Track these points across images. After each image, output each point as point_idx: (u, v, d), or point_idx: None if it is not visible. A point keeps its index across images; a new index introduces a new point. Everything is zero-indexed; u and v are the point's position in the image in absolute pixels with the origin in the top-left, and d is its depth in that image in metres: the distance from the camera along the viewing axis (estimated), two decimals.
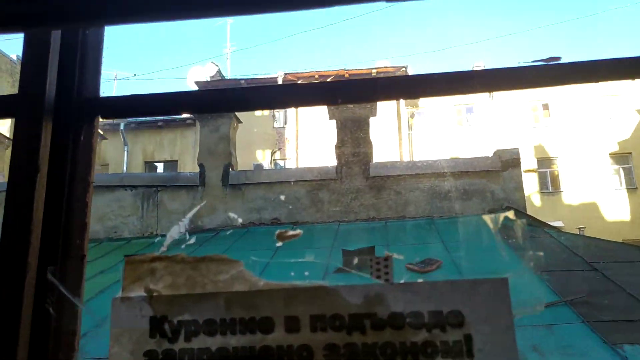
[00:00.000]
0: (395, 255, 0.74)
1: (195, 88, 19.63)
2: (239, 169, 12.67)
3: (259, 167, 17.64)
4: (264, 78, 21.50)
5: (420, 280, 0.66)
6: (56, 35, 1.06)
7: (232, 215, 10.95)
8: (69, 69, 1.08)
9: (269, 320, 0.69)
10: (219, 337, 0.68)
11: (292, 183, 11.54)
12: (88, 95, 1.11)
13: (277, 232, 0.72)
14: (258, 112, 23.60)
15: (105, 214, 12.02)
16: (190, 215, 0.84)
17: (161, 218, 12.11)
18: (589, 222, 19.09)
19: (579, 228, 17.57)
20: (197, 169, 12.17)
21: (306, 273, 0.70)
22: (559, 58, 1.07)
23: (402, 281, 0.67)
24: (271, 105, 1.08)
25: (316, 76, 21.23)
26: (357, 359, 0.66)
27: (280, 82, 21.91)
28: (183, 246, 0.72)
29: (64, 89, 1.07)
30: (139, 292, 0.70)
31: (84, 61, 1.11)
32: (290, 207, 11.35)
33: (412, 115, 23.19)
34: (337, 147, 11.38)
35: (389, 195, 11.19)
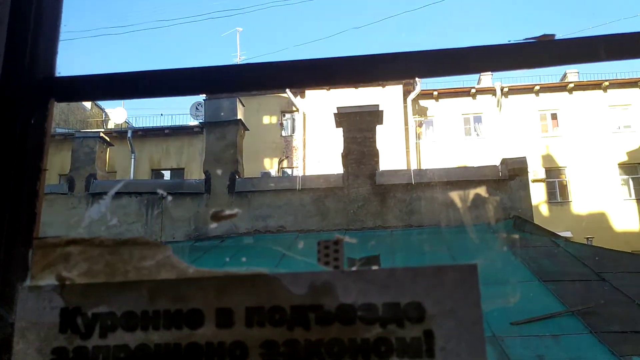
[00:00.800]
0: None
1: (202, 95, 19.66)
2: (245, 177, 12.62)
3: (265, 175, 17.59)
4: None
5: (375, 267, 0.57)
6: (3, 11, 0.96)
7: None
8: (20, 42, 0.98)
9: (198, 313, 0.59)
10: (139, 333, 0.58)
11: (299, 191, 11.46)
12: (41, 75, 1.01)
13: (212, 211, 0.62)
14: (266, 121, 23.60)
15: (110, 220, 11.97)
16: (112, 192, 0.75)
17: (165, 225, 12.06)
18: (597, 233, 18.82)
19: (588, 238, 17.31)
20: (203, 178, 12.12)
21: (243, 259, 0.60)
22: (553, 35, 0.98)
23: (354, 268, 0.57)
24: (233, 88, 0.99)
25: (327, 88, 21.21)
26: (298, 357, 0.56)
27: (287, 90, 21.93)
28: (103, 228, 0.63)
29: (13, 66, 0.97)
30: (49, 280, 0.60)
31: (38, 33, 1.00)
32: (297, 215, 11.26)
33: (420, 124, 23.08)
34: (344, 155, 11.30)
35: (395, 204, 11.08)
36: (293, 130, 23.74)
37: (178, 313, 0.58)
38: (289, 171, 23.29)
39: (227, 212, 0.62)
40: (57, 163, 18.60)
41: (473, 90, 23.22)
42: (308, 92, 22.39)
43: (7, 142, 0.96)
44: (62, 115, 25.81)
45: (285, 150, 23.58)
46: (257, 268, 0.57)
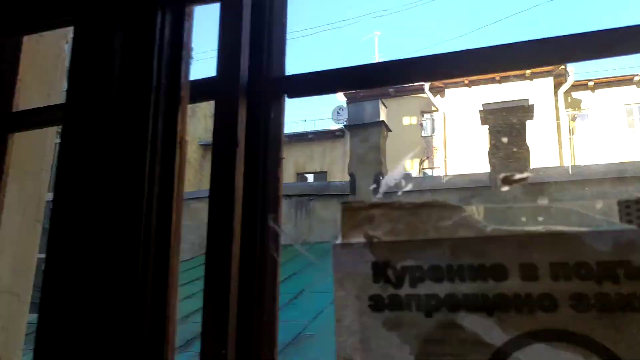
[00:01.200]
0: None
1: (343, 99, 20.10)
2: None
3: (407, 175, 17.53)
4: (410, 86, 21.35)
5: None
6: (246, 17, 1.11)
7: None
8: (259, 45, 1.13)
9: (502, 268, 0.64)
10: (446, 284, 0.65)
11: (444, 191, 11.27)
12: (275, 75, 1.14)
13: (502, 175, 0.67)
14: (406, 121, 23.54)
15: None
16: (406, 160, 0.82)
17: (313, 226, 12.52)
18: None
19: None
20: (345, 180, 12.42)
21: (540, 218, 0.64)
22: None
23: None
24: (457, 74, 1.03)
25: (465, 81, 20.63)
26: (611, 310, 0.59)
27: (427, 90, 21.67)
28: (399, 192, 0.71)
29: (255, 70, 1.12)
30: (358, 238, 0.69)
31: (272, 40, 1.14)
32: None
33: (573, 118, 21.47)
34: (490, 153, 10.90)
35: (549, 203, 10.43)
36: (433, 130, 23.43)
37: (482, 267, 0.64)
38: (429, 172, 22.99)
39: (518, 175, 0.66)
40: (208, 167, 20.14)
41: (637, 78, 21.01)
42: (447, 91, 21.94)
43: (255, 135, 1.10)
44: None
45: (425, 150, 23.30)
46: (555, 226, 0.61)
